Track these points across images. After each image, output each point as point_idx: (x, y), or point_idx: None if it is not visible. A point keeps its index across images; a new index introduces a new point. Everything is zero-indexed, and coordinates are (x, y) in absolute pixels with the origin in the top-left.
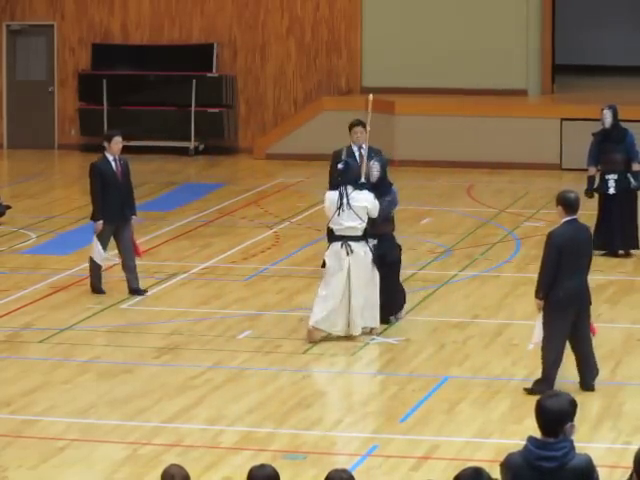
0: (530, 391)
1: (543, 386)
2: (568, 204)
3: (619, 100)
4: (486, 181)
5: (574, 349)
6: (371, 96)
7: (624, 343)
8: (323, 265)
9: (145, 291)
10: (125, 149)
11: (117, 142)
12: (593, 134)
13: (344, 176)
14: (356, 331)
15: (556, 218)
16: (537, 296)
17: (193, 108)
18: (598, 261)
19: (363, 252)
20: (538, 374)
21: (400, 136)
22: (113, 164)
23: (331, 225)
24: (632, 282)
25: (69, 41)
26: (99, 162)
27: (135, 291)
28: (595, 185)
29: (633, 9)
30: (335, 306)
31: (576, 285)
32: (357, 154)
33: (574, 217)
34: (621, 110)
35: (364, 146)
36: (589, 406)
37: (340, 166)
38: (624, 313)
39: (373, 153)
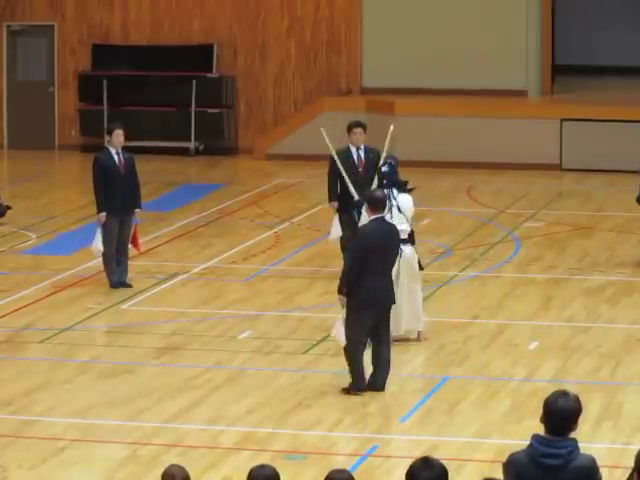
0: (346, 391)
1: (355, 385)
2: (373, 202)
3: (619, 101)
4: (486, 181)
5: (373, 349)
6: (392, 127)
7: (624, 343)
8: None
9: (130, 285)
10: (125, 149)
11: (118, 134)
12: None
13: (389, 178)
14: (399, 331)
15: (555, 218)
16: (339, 292)
17: (193, 108)
18: (598, 261)
19: (411, 254)
20: (538, 374)
21: (400, 136)
22: (116, 157)
23: None
24: (632, 282)
25: (69, 41)
26: (102, 155)
27: (120, 284)
28: None
29: (633, 9)
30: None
31: (380, 285)
32: (355, 155)
33: (381, 215)
34: (621, 110)
35: (362, 147)
36: (589, 406)
37: (385, 168)
38: (624, 313)
39: (371, 153)
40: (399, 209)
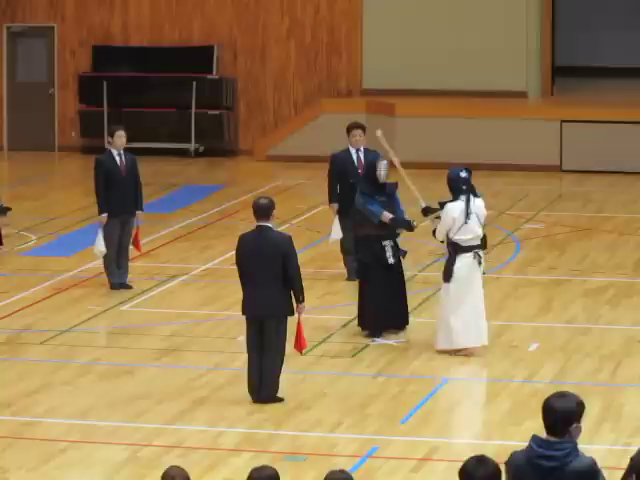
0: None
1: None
2: (254, 209)
3: (619, 102)
4: (486, 183)
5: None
6: (379, 132)
7: (624, 345)
8: (447, 279)
9: (130, 286)
10: (126, 151)
11: (120, 136)
12: None
13: (469, 184)
14: (452, 344)
15: (555, 220)
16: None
17: (193, 110)
18: (598, 262)
19: (484, 260)
20: (538, 376)
21: (400, 138)
22: (117, 159)
23: (459, 236)
24: (632, 284)
25: (69, 43)
26: (103, 157)
27: (121, 285)
28: None
29: (633, 10)
30: (476, 318)
31: (257, 294)
32: (355, 157)
33: (264, 224)
34: (621, 112)
35: (362, 149)
36: (589, 407)
37: (464, 174)
38: (624, 315)
39: (371, 155)
40: (475, 215)
